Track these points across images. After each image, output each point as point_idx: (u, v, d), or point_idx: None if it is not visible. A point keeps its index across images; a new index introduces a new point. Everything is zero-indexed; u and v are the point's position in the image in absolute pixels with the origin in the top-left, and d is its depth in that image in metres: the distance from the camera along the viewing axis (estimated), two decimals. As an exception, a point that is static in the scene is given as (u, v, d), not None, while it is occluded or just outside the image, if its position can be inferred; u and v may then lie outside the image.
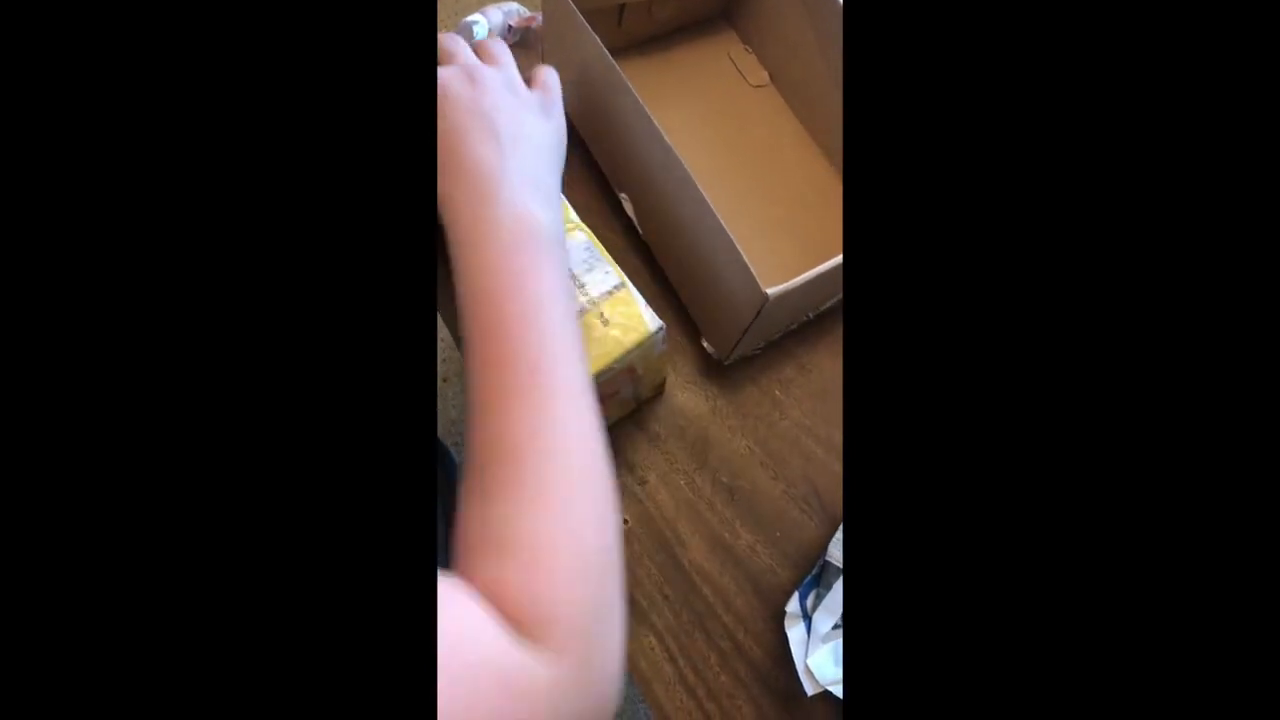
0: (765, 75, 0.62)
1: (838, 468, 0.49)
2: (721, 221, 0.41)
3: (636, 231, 0.52)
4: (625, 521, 0.46)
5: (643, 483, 0.48)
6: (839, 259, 0.41)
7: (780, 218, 0.56)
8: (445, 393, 1.13)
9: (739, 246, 0.40)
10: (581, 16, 0.46)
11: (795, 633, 0.41)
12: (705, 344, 0.50)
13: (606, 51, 0.45)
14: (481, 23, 0.54)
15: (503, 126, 0.36)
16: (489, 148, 0.35)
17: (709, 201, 0.41)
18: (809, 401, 0.51)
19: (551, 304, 0.33)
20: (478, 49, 0.40)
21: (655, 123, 0.43)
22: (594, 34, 0.45)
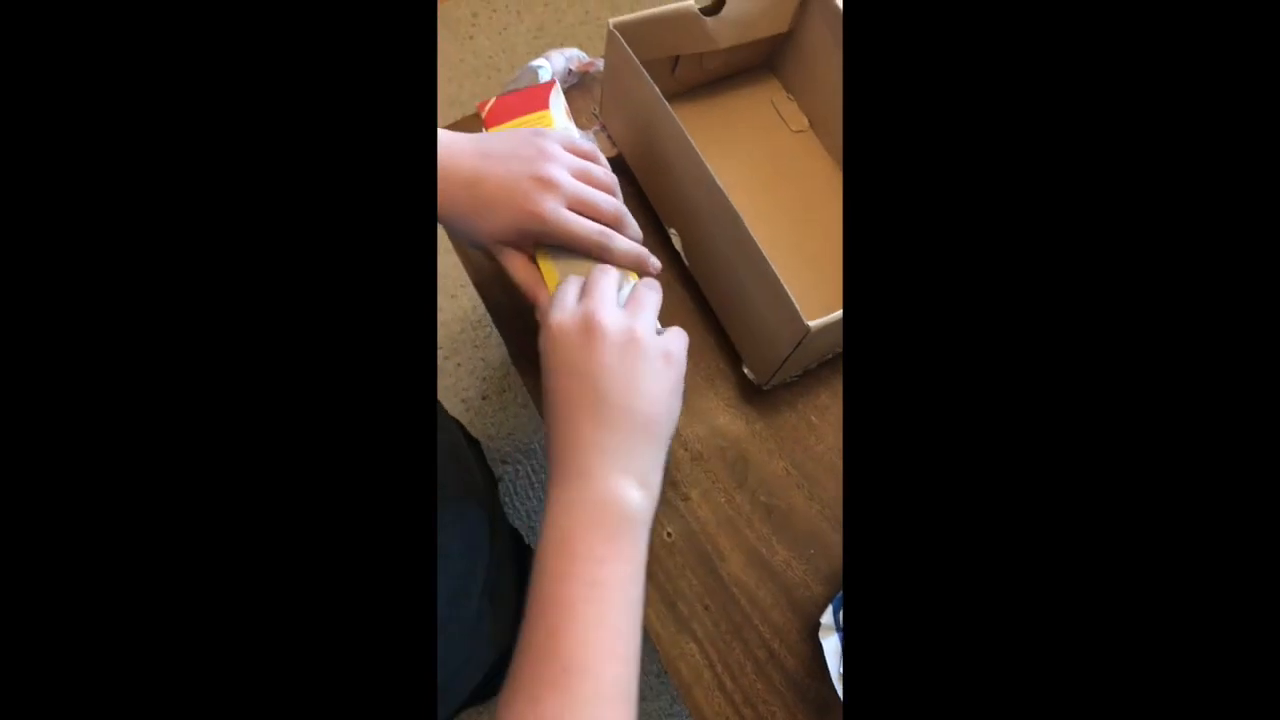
0: (805, 121, 0.66)
1: (870, 491, 0.51)
2: (766, 256, 0.44)
3: (684, 264, 0.56)
4: (669, 535, 0.49)
5: (685, 499, 0.50)
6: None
7: (817, 254, 0.59)
8: (445, 368, 1.14)
9: (782, 280, 0.43)
10: (639, 64, 0.50)
11: (829, 643, 0.43)
12: (746, 370, 0.53)
13: (661, 96, 0.49)
14: (545, 67, 0.59)
15: (610, 393, 0.34)
16: (587, 419, 0.33)
17: (754, 237, 0.45)
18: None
19: (613, 594, 0.31)
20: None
21: (704, 163, 0.46)
22: (650, 80, 0.49)
